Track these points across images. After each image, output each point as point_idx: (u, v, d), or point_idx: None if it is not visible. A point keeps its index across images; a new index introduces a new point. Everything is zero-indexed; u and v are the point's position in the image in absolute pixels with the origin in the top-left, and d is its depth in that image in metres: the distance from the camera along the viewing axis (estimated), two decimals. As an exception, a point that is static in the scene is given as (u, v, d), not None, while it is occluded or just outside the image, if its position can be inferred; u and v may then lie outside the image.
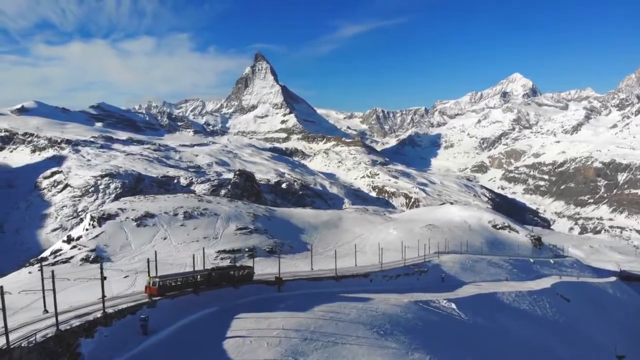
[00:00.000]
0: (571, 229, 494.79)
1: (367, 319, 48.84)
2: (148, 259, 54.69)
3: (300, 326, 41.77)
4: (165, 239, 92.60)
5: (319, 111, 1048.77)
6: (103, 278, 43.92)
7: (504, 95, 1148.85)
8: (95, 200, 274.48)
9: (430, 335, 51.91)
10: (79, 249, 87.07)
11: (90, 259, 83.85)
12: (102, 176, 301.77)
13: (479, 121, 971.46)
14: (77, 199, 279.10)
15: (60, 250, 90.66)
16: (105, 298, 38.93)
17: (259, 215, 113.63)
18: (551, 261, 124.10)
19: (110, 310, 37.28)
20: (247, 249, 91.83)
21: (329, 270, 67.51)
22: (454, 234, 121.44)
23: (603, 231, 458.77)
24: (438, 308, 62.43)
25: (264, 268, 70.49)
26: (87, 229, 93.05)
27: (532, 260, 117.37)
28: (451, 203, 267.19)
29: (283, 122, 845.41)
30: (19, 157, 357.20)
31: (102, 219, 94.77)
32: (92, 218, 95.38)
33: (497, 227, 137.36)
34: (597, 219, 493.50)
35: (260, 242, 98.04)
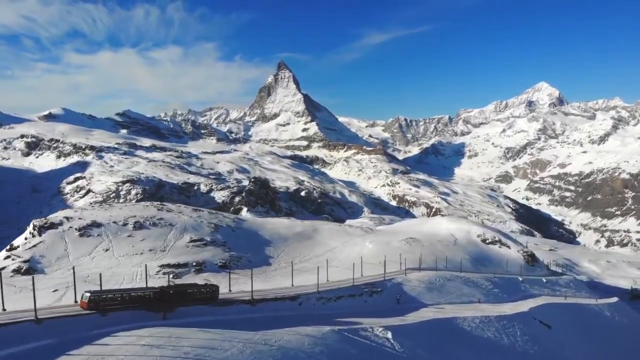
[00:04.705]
0: (597, 241, 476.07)
1: (249, 356, 39.79)
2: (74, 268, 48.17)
3: (139, 368, 33.99)
4: (107, 250, 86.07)
5: (341, 119, 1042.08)
6: None
7: (530, 104, 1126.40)
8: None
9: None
10: (13, 259, 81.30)
11: (22, 270, 77.92)
12: (124, 182, 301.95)
13: (504, 130, 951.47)
14: (98, 204, 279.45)
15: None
16: None
17: (222, 226, 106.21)
18: (543, 280, 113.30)
19: None
20: (194, 263, 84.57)
21: (263, 290, 59.44)
22: (435, 249, 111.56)
23: (630, 244, 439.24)
24: (367, 338, 53.21)
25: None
26: (26, 238, 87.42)
27: (520, 278, 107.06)
28: (442, 215, 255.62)
29: (304, 130, 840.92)
30: (44, 162, 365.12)
31: (43, 227, 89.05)
32: (33, 226, 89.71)
33: (487, 241, 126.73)
34: (624, 231, 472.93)
35: (214, 256, 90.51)
